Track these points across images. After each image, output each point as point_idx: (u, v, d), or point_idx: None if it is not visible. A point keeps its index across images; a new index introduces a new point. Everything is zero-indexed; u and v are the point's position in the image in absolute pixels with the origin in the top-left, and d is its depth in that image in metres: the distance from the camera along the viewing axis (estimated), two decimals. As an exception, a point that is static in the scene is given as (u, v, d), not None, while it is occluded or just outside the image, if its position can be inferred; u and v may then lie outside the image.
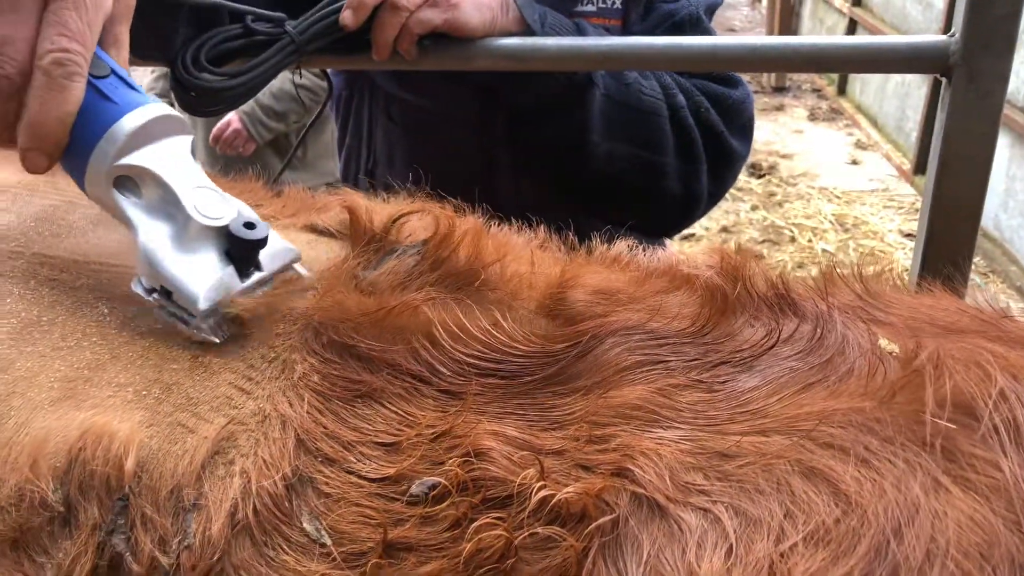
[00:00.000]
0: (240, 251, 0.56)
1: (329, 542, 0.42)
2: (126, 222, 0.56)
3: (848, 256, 4.10)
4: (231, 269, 0.56)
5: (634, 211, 1.16)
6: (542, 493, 0.39)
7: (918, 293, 0.63)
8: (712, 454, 0.42)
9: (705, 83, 1.18)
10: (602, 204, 1.18)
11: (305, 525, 0.43)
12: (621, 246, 0.62)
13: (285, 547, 0.43)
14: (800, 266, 4.00)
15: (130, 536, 0.46)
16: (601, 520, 0.38)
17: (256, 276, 0.57)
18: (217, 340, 0.54)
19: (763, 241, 4.29)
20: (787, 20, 7.04)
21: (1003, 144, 3.88)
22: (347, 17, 0.95)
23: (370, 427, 0.46)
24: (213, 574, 0.45)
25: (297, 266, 0.60)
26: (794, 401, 0.45)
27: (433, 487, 0.41)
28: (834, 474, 0.41)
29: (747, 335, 0.50)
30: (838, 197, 4.70)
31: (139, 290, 0.56)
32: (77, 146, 0.55)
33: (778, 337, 0.49)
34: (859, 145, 5.42)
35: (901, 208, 4.58)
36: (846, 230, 4.36)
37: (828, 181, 4.90)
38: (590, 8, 1.16)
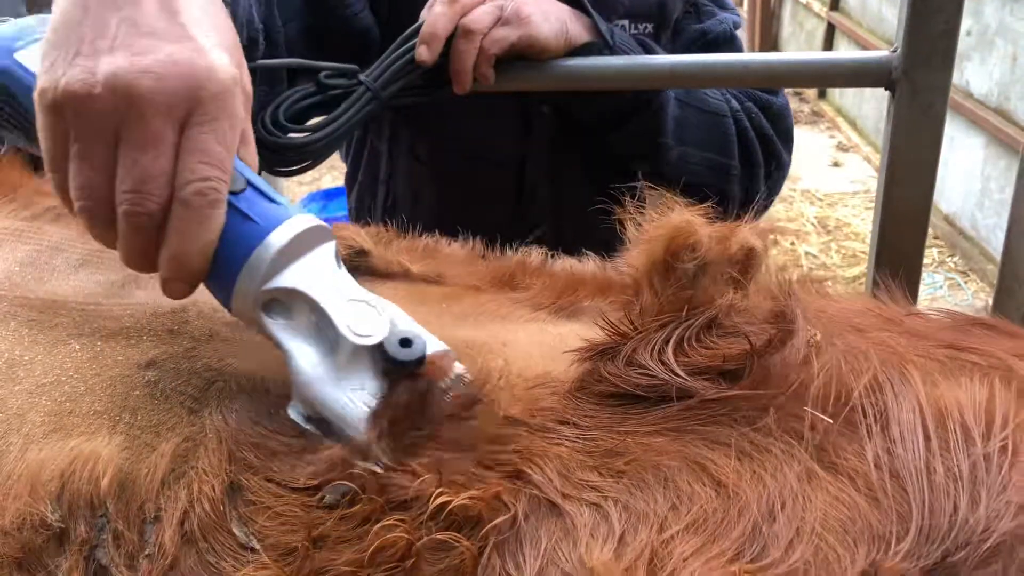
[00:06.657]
0: (397, 373, 0.51)
1: (257, 546, 0.46)
2: (277, 346, 0.53)
3: (830, 258, 4.15)
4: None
5: None
6: (440, 500, 0.43)
7: (832, 296, 0.69)
8: (605, 452, 0.46)
9: (750, 90, 1.19)
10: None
11: (235, 530, 0.47)
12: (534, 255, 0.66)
13: (223, 553, 0.47)
14: (782, 269, 4.03)
15: (109, 550, 0.49)
16: (497, 520, 0.42)
17: None
18: (379, 469, 0.47)
19: (746, 245, 4.34)
20: (768, 23, 7.13)
21: (977, 145, 3.94)
22: (423, 53, 0.93)
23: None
24: (168, 582, 0.49)
25: (458, 367, 0.54)
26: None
27: (344, 493, 0.46)
28: (716, 467, 0.46)
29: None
30: (820, 199, 4.76)
31: (296, 417, 0.52)
32: (221, 271, 0.53)
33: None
34: (840, 147, 5.48)
35: (882, 209, 4.62)
36: (828, 232, 4.42)
37: (810, 183, 4.96)
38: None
